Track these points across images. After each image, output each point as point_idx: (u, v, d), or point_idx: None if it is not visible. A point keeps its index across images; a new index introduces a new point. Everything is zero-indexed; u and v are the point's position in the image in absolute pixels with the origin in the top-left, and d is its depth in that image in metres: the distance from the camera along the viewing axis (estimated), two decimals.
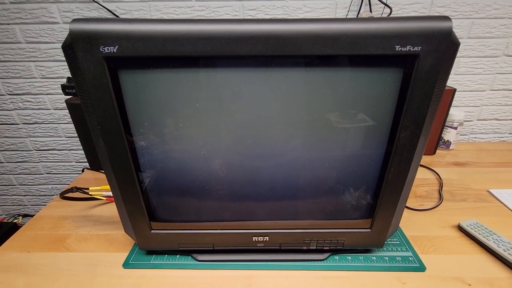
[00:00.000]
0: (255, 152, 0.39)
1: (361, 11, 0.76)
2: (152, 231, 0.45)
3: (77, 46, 0.31)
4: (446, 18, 0.30)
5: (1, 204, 1.16)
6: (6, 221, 1.07)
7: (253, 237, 0.46)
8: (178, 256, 0.49)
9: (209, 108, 0.35)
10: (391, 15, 0.74)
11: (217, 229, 0.45)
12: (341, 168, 0.40)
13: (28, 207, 1.17)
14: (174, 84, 0.34)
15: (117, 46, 0.31)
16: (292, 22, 0.30)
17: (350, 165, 0.40)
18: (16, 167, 1.07)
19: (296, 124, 0.37)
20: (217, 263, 0.47)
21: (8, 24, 0.81)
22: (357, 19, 0.30)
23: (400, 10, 0.77)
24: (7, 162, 1.05)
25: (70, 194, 0.57)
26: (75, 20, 0.30)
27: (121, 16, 0.79)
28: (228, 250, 0.48)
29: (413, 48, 0.30)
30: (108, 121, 0.35)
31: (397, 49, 0.30)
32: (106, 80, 0.33)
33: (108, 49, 0.31)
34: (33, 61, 0.86)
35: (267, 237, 0.46)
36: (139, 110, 0.36)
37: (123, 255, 0.50)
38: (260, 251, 0.48)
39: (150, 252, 0.50)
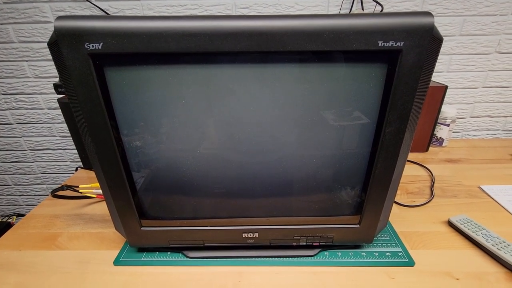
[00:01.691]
0: (243, 149, 0.39)
1: (353, 8, 0.77)
2: (142, 228, 0.45)
3: (62, 43, 0.31)
4: (428, 14, 0.30)
5: None
6: (0, 220, 1.06)
7: (243, 234, 0.46)
8: (168, 253, 0.49)
9: (196, 104, 0.36)
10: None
11: (207, 226, 0.45)
12: (328, 164, 0.41)
13: (23, 207, 1.17)
14: (161, 81, 0.34)
15: (102, 43, 0.31)
16: (276, 18, 0.30)
17: (337, 161, 0.40)
18: (10, 167, 1.06)
19: (283, 120, 0.37)
20: (208, 259, 0.47)
21: (1, 24, 0.81)
22: (340, 15, 0.30)
23: (392, 7, 0.77)
24: (2, 162, 1.05)
25: (61, 192, 0.57)
26: (60, 17, 0.30)
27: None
28: (218, 247, 0.48)
29: (395, 44, 0.31)
30: (95, 118, 0.35)
31: (380, 45, 0.31)
32: (92, 77, 0.33)
33: (93, 46, 0.31)
34: (26, 61, 0.86)
35: (257, 234, 0.46)
36: (126, 107, 0.36)
37: (114, 253, 0.50)
38: (250, 248, 0.48)
39: (141, 250, 0.50)
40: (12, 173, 1.08)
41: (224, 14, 0.79)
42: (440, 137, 0.85)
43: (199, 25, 0.30)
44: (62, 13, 0.80)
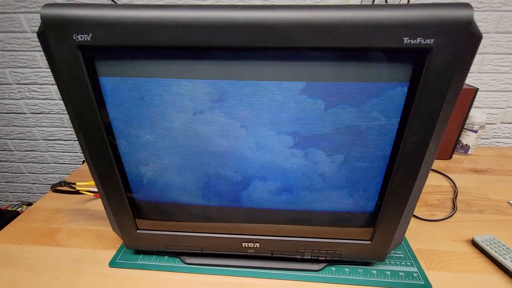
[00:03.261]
0: (244, 157, 0.36)
1: (376, 1, 0.70)
2: (138, 231, 0.43)
3: (49, 34, 0.28)
4: (466, 5, 0.25)
5: (12, 191, 1.20)
6: (10, 209, 1.09)
7: (243, 243, 0.43)
8: (166, 257, 0.47)
9: (192, 103, 0.32)
10: None
11: (205, 233, 0.43)
12: (339, 173, 0.36)
13: (37, 195, 1.20)
14: (154, 77, 0.31)
15: (90, 34, 0.28)
16: (281, 8, 0.26)
17: (350, 170, 0.36)
18: (25, 156, 1.09)
19: (288, 125, 0.33)
20: (206, 267, 0.45)
21: (14, 13, 0.81)
22: (357, 6, 0.26)
23: (420, 0, 0.71)
24: (16, 151, 1.07)
25: (59, 188, 0.55)
26: (47, 5, 0.28)
27: None
28: (217, 254, 0.45)
29: (424, 41, 0.26)
30: (86, 114, 0.33)
31: (405, 42, 0.26)
32: (82, 71, 0.30)
33: (81, 37, 0.28)
34: (39, 51, 0.86)
35: (258, 244, 0.43)
36: (119, 103, 0.33)
37: (111, 253, 0.48)
38: (251, 257, 0.45)
39: (138, 252, 0.48)
40: (26, 161, 1.10)
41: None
42: (466, 144, 0.78)
43: (194, 15, 0.26)
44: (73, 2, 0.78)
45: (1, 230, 0.54)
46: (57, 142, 1.04)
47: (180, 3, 0.76)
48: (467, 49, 0.26)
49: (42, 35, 0.29)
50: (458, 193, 0.63)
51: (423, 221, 0.55)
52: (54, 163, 1.09)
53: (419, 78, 0.28)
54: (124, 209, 0.41)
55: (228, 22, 0.26)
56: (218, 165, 0.37)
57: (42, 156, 1.08)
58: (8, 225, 0.55)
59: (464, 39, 0.26)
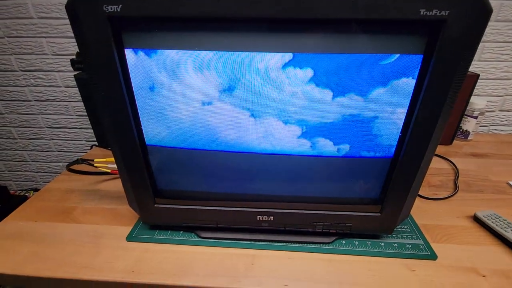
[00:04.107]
0: (261, 128, 0.37)
1: None
2: (156, 205, 0.45)
3: (79, 5, 0.29)
4: None
5: (15, 179, 1.20)
6: (18, 194, 1.09)
7: (258, 216, 0.44)
8: (181, 232, 0.48)
9: (217, 76, 0.34)
10: None
11: (221, 207, 0.44)
12: (352, 148, 0.38)
13: (41, 183, 1.20)
14: (182, 49, 0.32)
15: (120, 5, 0.29)
16: None
17: (362, 146, 0.38)
18: (28, 144, 1.09)
19: (303, 95, 0.35)
20: (220, 241, 0.47)
21: None
22: None
23: None
24: (20, 139, 1.08)
25: (76, 167, 0.57)
26: None
27: None
28: (232, 228, 0.47)
29: (439, 13, 0.28)
30: (113, 88, 0.34)
31: (421, 13, 0.28)
32: (110, 43, 0.31)
33: (111, 8, 0.29)
34: (45, 37, 0.86)
35: (272, 217, 0.44)
36: (144, 76, 0.34)
37: (127, 229, 0.49)
38: (264, 231, 0.47)
39: (154, 227, 0.49)
40: (30, 149, 1.10)
41: None
42: (466, 130, 0.81)
43: None
44: None
45: (16, 210, 0.55)
46: (61, 130, 1.04)
47: None
48: (479, 22, 0.28)
49: (71, 6, 0.30)
50: (459, 175, 0.65)
51: (427, 200, 0.57)
52: (58, 151, 1.10)
53: (433, 49, 0.30)
54: (144, 184, 0.42)
55: None
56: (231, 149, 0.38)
57: (46, 144, 1.09)
58: (22, 205, 0.56)
59: (477, 11, 0.27)
